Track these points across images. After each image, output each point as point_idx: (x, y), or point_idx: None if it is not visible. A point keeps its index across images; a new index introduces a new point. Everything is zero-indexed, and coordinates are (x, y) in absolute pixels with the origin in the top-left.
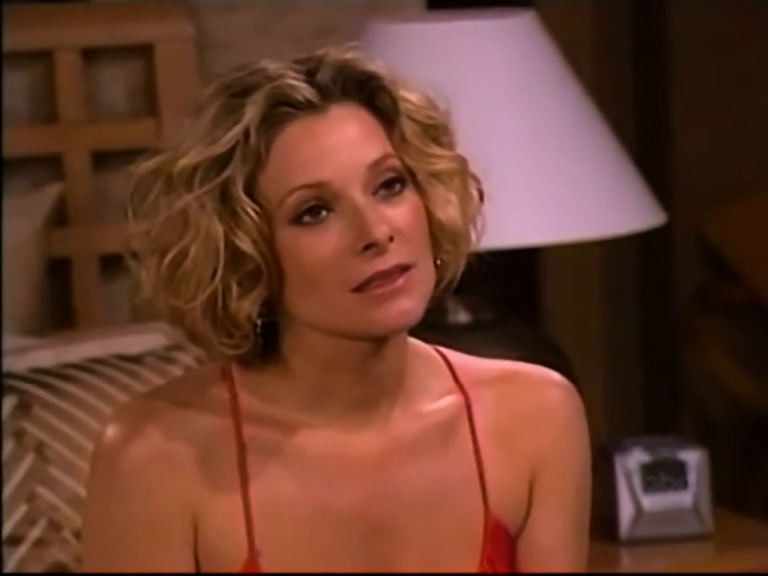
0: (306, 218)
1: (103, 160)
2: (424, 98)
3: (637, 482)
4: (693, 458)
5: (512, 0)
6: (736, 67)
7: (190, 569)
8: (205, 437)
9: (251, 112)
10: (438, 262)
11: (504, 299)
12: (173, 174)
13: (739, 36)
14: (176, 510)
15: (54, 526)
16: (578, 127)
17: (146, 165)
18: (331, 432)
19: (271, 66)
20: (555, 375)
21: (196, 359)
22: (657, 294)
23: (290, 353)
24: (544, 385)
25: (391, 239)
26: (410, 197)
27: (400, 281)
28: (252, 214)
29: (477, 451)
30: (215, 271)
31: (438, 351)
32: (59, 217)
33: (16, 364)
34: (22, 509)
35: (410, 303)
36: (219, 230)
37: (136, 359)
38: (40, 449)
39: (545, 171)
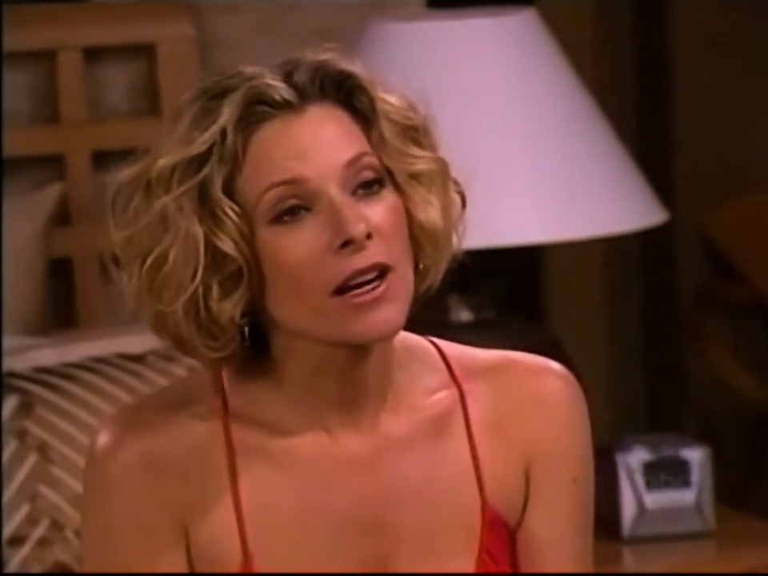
0: (283, 217)
1: (105, 160)
2: (402, 100)
3: (639, 480)
4: (695, 456)
5: None
6: (738, 65)
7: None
8: (194, 442)
9: (228, 111)
10: (421, 267)
11: (506, 297)
12: (151, 179)
13: (742, 33)
14: (167, 516)
15: (57, 526)
16: (580, 125)
17: (126, 172)
18: (320, 433)
19: (249, 69)
20: (552, 364)
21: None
22: (659, 292)
23: (279, 356)
24: (540, 373)
25: (369, 237)
26: (388, 196)
27: (380, 288)
28: (231, 214)
29: (471, 442)
30: (195, 272)
31: (433, 343)
32: (61, 217)
33: (18, 363)
34: (25, 509)
35: (392, 311)
36: (199, 231)
37: (138, 358)
38: (42, 448)
39: (546, 169)
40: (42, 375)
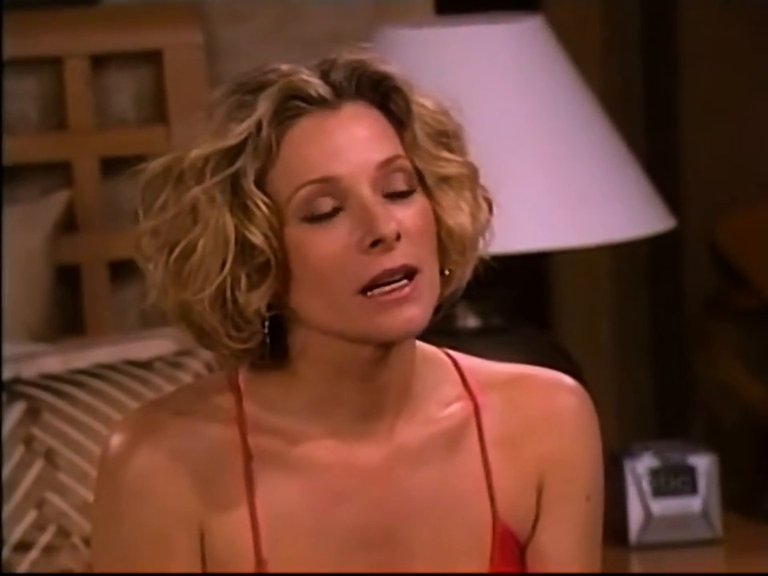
0: (315, 215)
1: (112, 167)
2: (437, 104)
3: (646, 486)
4: (702, 462)
5: (521, 4)
6: (747, 72)
7: None
8: (210, 446)
9: (264, 105)
10: (446, 272)
11: (514, 304)
12: (183, 169)
13: (750, 41)
14: (182, 520)
15: (64, 533)
16: (588, 132)
17: (157, 162)
18: (337, 441)
19: (285, 66)
20: (567, 379)
21: (205, 365)
22: (667, 300)
23: (297, 357)
24: (555, 389)
25: (398, 238)
26: (419, 199)
27: (407, 289)
28: (263, 207)
29: (485, 457)
30: (224, 263)
31: (448, 355)
32: (68, 223)
33: (25, 370)
34: (32, 515)
35: (416, 311)
36: (230, 222)
37: (145, 365)
38: (49, 455)
39: (554, 176)
40: (49, 382)
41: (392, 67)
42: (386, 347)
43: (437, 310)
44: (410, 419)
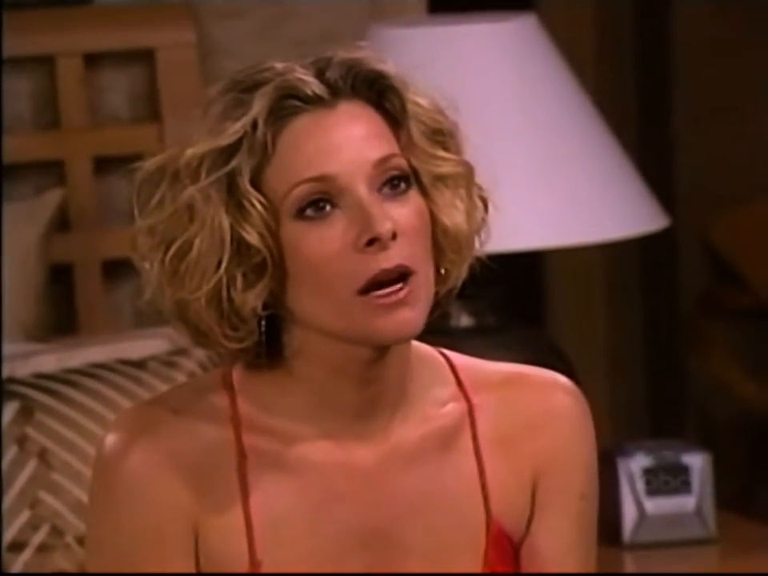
0: (310, 213)
1: (105, 166)
2: (433, 103)
3: (640, 485)
4: (696, 461)
5: (513, 3)
6: (740, 70)
7: None
8: (205, 446)
9: (259, 104)
10: (442, 271)
11: (507, 303)
12: (179, 168)
13: (744, 39)
14: (176, 519)
15: (57, 532)
16: (581, 131)
17: (153, 160)
18: (331, 441)
19: (280, 64)
20: (561, 378)
21: (199, 364)
22: (661, 297)
23: (293, 357)
24: (549, 388)
25: (394, 236)
26: (414, 198)
27: (402, 292)
28: (258, 206)
29: (478, 456)
30: (220, 262)
31: (443, 354)
32: (61, 222)
33: (19, 369)
34: (25, 515)
35: (412, 314)
36: (225, 221)
37: (139, 364)
38: (42, 454)
39: (547, 175)
40: (43, 381)
41: (388, 66)
42: (382, 348)
43: (432, 309)
44: (405, 419)
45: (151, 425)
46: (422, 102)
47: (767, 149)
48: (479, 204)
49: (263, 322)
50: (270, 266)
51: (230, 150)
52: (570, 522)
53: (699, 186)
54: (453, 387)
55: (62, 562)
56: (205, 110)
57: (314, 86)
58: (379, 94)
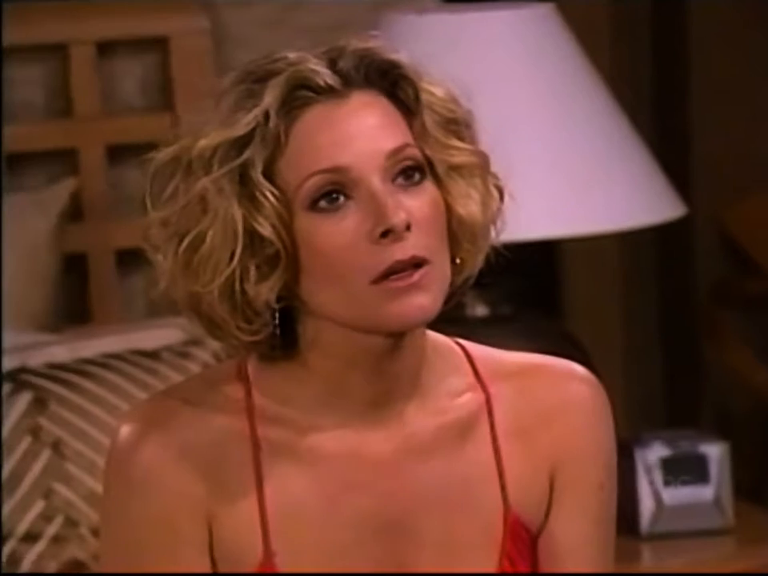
0: (324, 204)
1: (118, 154)
2: (446, 92)
3: (657, 476)
4: (714, 451)
5: None
6: (757, 56)
7: (206, 568)
8: (219, 436)
9: (272, 95)
10: (457, 261)
11: (522, 292)
12: (192, 159)
13: (760, 27)
14: (190, 510)
15: (71, 523)
16: (596, 119)
17: (165, 152)
18: (346, 431)
19: (293, 54)
20: (579, 369)
21: (213, 354)
22: (676, 286)
23: (307, 348)
24: (567, 379)
25: (408, 228)
26: (429, 188)
27: (416, 276)
28: (271, 198)
29: (496, 447)
30: (233, 254)
31: (459, 344)
32: (74, 212)
33: (32, 359)
34: (39, 505)
35: (427, 299)
36: (238, 213)
37: (152, 355)
38: (56, 445)
39: (562, 163)
40: (56, 371)
41: (401, 55)
42: (396, 336)
43: (448, 298)
44: (420, 409)
45: (165, 416)
46: (436, 91)
47: None
48: (494, 193)
49: (277, 314)
50: (283, 257)
51: (243, 142)
52: (588, 513)
53: (716, 175)
54: (469, 377)
55: (76, 553)
56: (217, 100)
57: (326, 76)
58: (392, 83)
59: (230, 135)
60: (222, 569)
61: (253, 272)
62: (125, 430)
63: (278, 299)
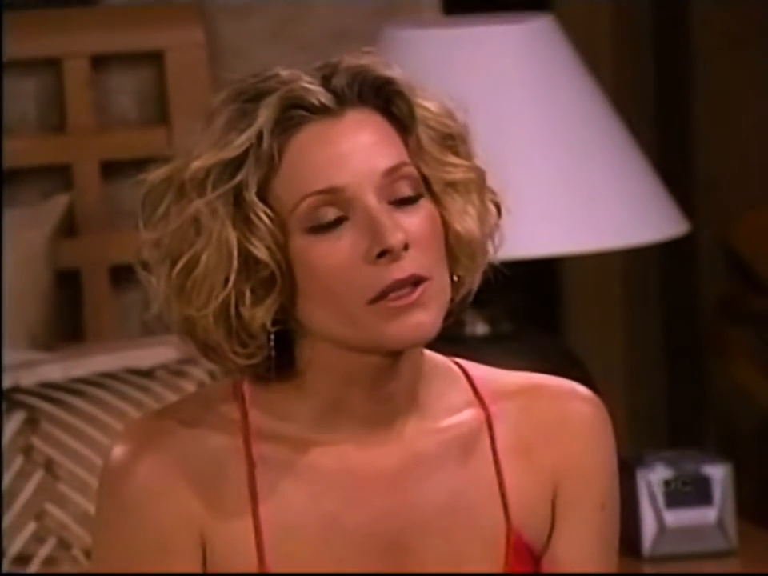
0: (320, 225)
1: (113, 169)
2: (441, 107)
3: (660, 497)
4: (717, 472)
5: (530, 4)
6: (760, 68)
7: None
8: (214, 456)
9: (264, 115)
10: (455, 278)
11: (523, 310)
12: (184, 181)
13: (763, 37)
14: (184, 531)
15: (64, 545)
16: (599, 134)
17: (158, 172)
18: (344, 449)
19: (285, 71)
20: (580, 388)
21: (208, 373)
22: (680, 303)
23: (305, 367)
24: (568, 398)
25: (406, 247)
26: (426, 206)
27: (415, 294)
28: (266, 219)
29: (498, 466)
30: (227, 278)
31: (457, 364)
32: (68, 227)
33: (24, 378)
34: (31, 527)
35: (426, 317)
36: (232, 235)
37: (147, 373)
38: (49, 465)
39: (563, 178)
40: (49, 390)
41: (394, 71)
42: (394, 355)
43: (447, 316)
44: (419, 426)
45: (160, 436)
46: (431, 106)
47: None
48: (492, 209)
49: (272, 337)
50: (278, 280)
51: (236, 163)
52: (590, 534)
53: (720, 190)
54: (469, 395)
55: None
56: (208, 120)
57: (319, 95)
58: (386, 100)
59: (224, 157)
60: None
61: (248, 295)
62: (118, 450)
63: (274, 322)
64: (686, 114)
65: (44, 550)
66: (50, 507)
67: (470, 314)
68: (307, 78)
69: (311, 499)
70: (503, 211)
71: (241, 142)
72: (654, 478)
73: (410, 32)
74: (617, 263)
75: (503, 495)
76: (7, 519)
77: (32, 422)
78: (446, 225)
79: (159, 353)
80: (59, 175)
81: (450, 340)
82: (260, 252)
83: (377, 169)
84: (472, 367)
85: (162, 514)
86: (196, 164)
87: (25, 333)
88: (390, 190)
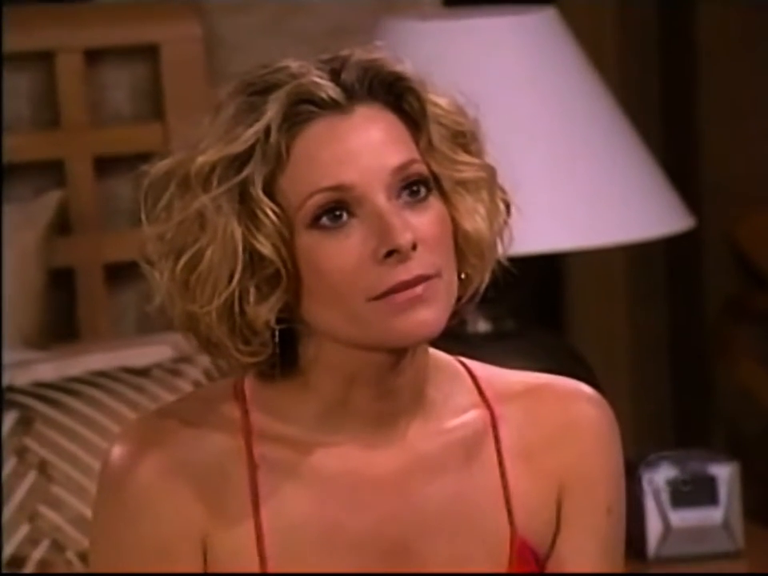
0: (326, 222)
1: (107, 166)
2: (452, 103)
3: (665, 498)
4: (723, 472)
5: None
6: (766, 66)
7: None
8: (215, 457)
9: (272, 109)
10: (463, 276)
11: (526, 308)
12: (189, 174)
13: None
14: (185, 532)
15: (58, 547)
16: (602, 129)
17: (161, 164)
18: (348, 450)
19: (294, 64)
20: (585, 388)
21: (204, 372)
22: (685, 302)
23: (308, 366)
24: (573, 399)
25: (414, 247)
26: (435, 204)
27: (419, 289)
28: (272, 215)
29: (502, 469)
30: (232, 274)
31: (462, 363)
32: (62, 225)
33: (18, 378)
34: (24, 529)
35: (431, 314)
36: (237, 231)
37: (142, 372)
38: (42, 466)
39: (567, 174)
40: (42, 390)
41: (406, 66)
42: (398, 353)
43: (452, 315)
44: (424, 428)
45: (160, 436)
46: (442, 102)
47: None
48: (501, 207)
49: (276, 334)
50: (284, 277)
51: (243, 158)
52: (596, 539)
53: (725, 186)
54: (474, 395)
55: None
56: (214, 112)
57: (329, 89)
58: (397, 96)
59: (230, 151)
60: None
61: (252, 292)
62: (118, 451)
63: (278, 320)
64: (692, 110)
65: (38, 553)
66: (44, 509)
67: (473, 311)
68: (317, 72)
69: (313, 502)
70: (513, 210)
71: (248, 136)
72: (659, 478)
73: (409, 24)
74: (621, 261)
75: (507, 499)
76: (0, 521)
77: (25, 422)
78: (455, 223)
79: (154, 351)
80: (52, 172)
81: (452, 337)
82: (265, 249)
83: (386, 166)
84: (477, 367)
85: (163, 516)
86: (202, 158)
87: (18, 332)
88: (399, 188)
